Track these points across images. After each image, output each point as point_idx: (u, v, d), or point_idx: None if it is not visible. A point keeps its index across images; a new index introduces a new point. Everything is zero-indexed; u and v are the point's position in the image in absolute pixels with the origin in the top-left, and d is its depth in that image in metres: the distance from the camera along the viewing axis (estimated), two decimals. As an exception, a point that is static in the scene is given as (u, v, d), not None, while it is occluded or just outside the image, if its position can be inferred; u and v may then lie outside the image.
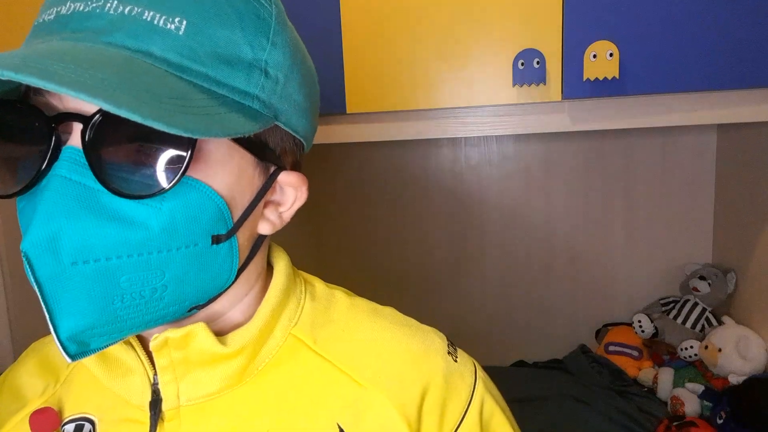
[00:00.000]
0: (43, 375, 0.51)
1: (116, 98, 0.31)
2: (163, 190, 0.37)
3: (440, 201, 1.58)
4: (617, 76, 0.91)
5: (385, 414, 0.46)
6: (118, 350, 0.45)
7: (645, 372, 1.35)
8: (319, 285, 0.53)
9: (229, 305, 0.47)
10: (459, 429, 0.49)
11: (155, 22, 0.37)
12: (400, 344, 0.50)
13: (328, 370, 0.48)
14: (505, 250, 1.58)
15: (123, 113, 0.31)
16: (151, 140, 0.37)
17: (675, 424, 1.13)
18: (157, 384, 0.44)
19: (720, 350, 1.21)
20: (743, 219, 1.33)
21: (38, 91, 0.38)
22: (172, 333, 0.43)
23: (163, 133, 0.34)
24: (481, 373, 0.52)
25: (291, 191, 0.47)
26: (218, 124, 0.36)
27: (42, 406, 0.48)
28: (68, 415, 0.47)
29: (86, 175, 0.36)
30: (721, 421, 1.10)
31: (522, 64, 0.94)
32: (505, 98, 0.97)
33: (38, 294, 0.36)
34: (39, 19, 0.39)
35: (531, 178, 1.54)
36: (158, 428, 0.44)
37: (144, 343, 0.46)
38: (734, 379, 1.18)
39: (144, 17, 0.36)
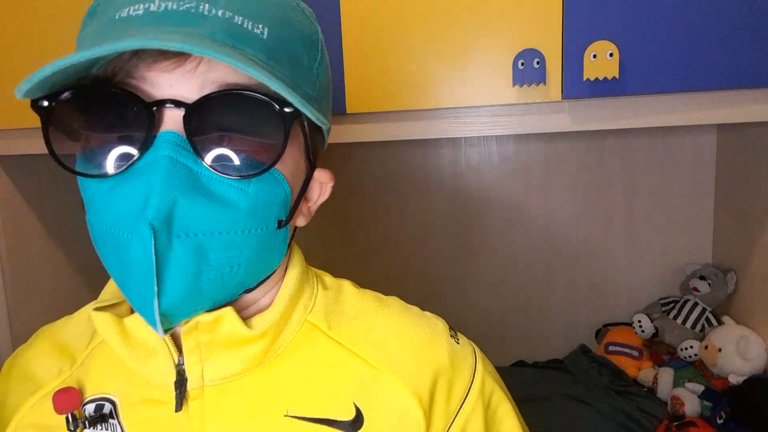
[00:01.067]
0: (58, 357, 0.52)
1: (278, 83, 0.36)
2: (256, 174, 0.41)
3: (440, 201, 1.58)
4: (617, 76, 0.91)
5: (399, 395, 0.49)
6: (142, 332, 0.47)
7: (645, 372, 1.35)
8: (327, 277, 0.57)
9: (259, 295, 0.50)
10: (463, 405, 0.51)
11: (245, 26, 0.40)
12: (409, 330, 0.53)
13: (343, 354, 0.50)
14: (505, 250, 1.58)
15: (288, 95, 0.36)
16: (245, 128, 0.40)
17: (675, 424, 1.13)
18: (182, 365, 0.46)
19: (720, 350, 1.21)
20: (743, 219, 1.33)
21: (128, 79, 0.39)
22: (203, 317, 0.45)
23: (261, 120, 0.39)
24: (479, 353, 0.55)
25: (316, 187, 0.51)
26: (311, 107, 0.40)
27: (62, 386, 0.49)
28: (89, 395, 0.49)
29: (188, 157, 0.39)
30: (721, 421, 1.10)
31: (522, 64, 0.94)
32: (505, 98, 0.97)
33: (153, 269, 0.38)
34: (119, 13, 0.40)
35: (531, 178, 1.54)
36: (183, 407, 0.46)
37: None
38: (734, 379, 1.18)
39: (235, 21, 0.39)
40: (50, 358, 0.53)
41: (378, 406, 0.48)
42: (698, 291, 1.36)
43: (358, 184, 1.60)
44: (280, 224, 0.45)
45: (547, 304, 1.57)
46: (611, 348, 1.42)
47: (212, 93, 0.39)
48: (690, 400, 1.19)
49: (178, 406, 0.46)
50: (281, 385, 0.48)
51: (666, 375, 1.28)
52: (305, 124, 0.45)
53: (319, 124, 0.44)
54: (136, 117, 0.39)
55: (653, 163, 1.47)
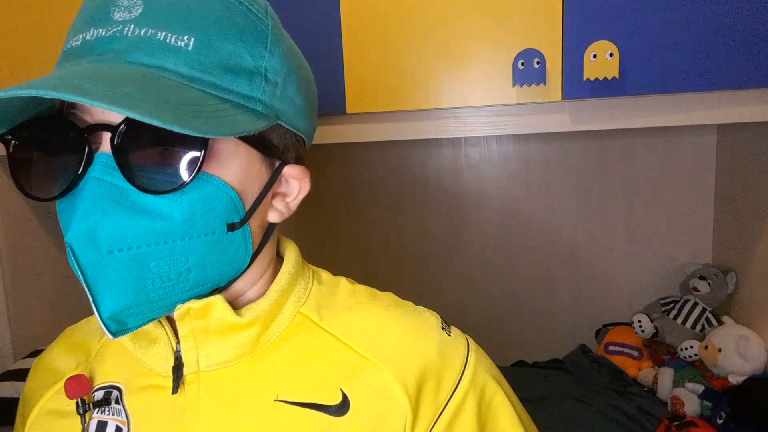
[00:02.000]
0: (75, 353, 0.57)
1: (140, 108, 0.37)
2: (183, 185, 0.42)
3: (440, 201, 1.58)
4: (617, 76, 0.91)
5: (386, 383, 0.50)
6: None
7: (645, 372, 1.34)
8: (325, 274, 0.59)
9: (245, 287, 0.53)
10: (452, 397, 0.52)
11: (167, 41, 0.42)
12: (398, 322, 0.54)
13: (333, 343, 0.52)
14: (505, 250, 1.58)
15: (146, 120, 0.36)
16: (169, 143, 0.42)
17: (675, 424, 1.13)
18: (180, 351, 0.50)
19: (720, 350, 1.21)
20: (743, 219, 1.33)
21: (71, 108, 0.44)
22: (194, 304, 0.48)
23: (180, 135, 0.39)
24: (473, 345, 0.56)
25: (295, 183, 0.52)
26: (227, 125, 0.42)
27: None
28: (98, 383, 0.54)
29: (116, 176, 0.42)
30: (721, 421, 1.10)
31: (522, 64, 0.94)
32: (505, 98, 0.97)
33: (82, 280, 0.42)
34: (67, 46, 0.45)
35: (531, 178, 1.54)
36: (179, 390, 0.50)
37: (168, 315, 0.50)
38: (734, 379, 1.18)
39: (158, 37, 0.42)
40: (69, 353, 0.57)
41: (364, 393, 0.50)
42: (698, 291, 1.36)
43: (357, 184, 1.60)
44: (233, 227, 0.46)
45: (547, 304, 1.57)
46: (611, 348, 1.42)
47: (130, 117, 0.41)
48: (690, 400, 1.19)
49: (175, 389, 0.49)
50: (272, 372, 0.51)
51: (666, 375, 1.28)
52: (252, 133, 0.46)
53: (255, 128, 0.44)
54: (73, 144, 0.42)
55: (653, 163, 1.47)
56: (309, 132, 0.54)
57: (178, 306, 0.48)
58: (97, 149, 0.42)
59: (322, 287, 0.57)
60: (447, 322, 0.57)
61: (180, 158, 0.42)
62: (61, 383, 0.54)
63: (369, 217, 1.61)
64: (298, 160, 0.53)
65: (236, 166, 0.46)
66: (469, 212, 1.58)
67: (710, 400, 1.17)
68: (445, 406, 0.51)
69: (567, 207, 1.53)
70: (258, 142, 0.47)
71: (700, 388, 1.21)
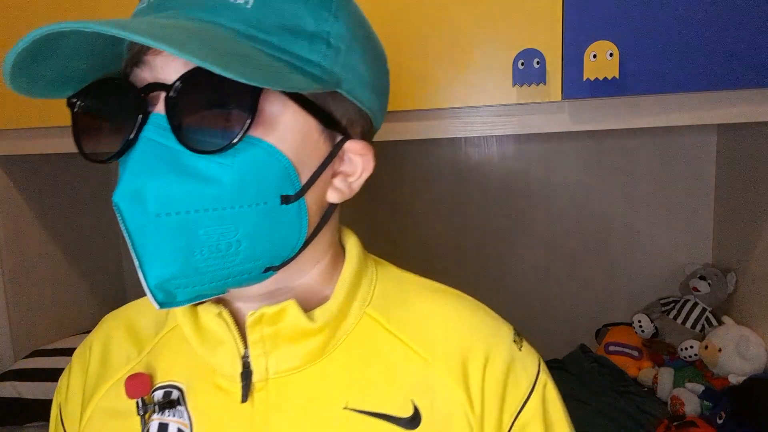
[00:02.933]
0: (129, 344, 0.55)
1: (186, 47, 0.35)
2: (230, 145, 0.40)
3: (440, 201, 1.59)
4: (617, 76, 0.91)
5: (455, 397, 0.49)
6: (211, 322, 0.49)
7: (645, 372, 1.34)
8: (390, 267, 0.57)
9: (297, 276, 0.50)
10: (518, 416, 0.50)
11: None
12: (469, 328, 0.52)
13: (402, 349, 0.50)
14: (505, 250, 1.58)
15: (191, 58, 0.35)
16: (220, 103, 0.41)
17: (675, 424, 1.13)
18: (248, 357, 0.48)
19: (720, 350, 1.21)
20: (743, 219, 1.33)
21: (134, 68, 0.43)
22: (268, 309, 0.47)
23: (231, 95, 0.39)
24: (544, 366, 0.54)
25: (359, 160, 0.49)
26: (279, 79, 0.40)
27: (128, 374, 0.52)
28: (158, 382, 0.52)
29: (168, 136, 0.40)
30: (721, 421, 1.10)
31: (522, 64, 0.94)
32: (505, 98, 0.97)
33: (129, 244, 0.41)
34: (135, 9, 0.45)
35: (531, 178, 1.54)
36: (248, 398, 0.48)
37: (235, 317, 0.49)
38: (734, 379, 1.18)
39: None
40: (121, 344, 0.55)
41: (435, 407, 0.48)
42: (698, 291, 1.36)
43: (358, 184, 1.60)
44: (287, 200, 0.44)
45: (547, 304, 1.57)
46: (611, 348, 1.42)
47: (184, 73, 0.40)
48: (690, 400, 1.19)
49: (245, 397, 0.48)
50: (340, 378, 0.49)
51: (666, 375, 1.28)
52: (305, 92, 0.44)
53: (313, 89, 0.43)
54: (131, 103, 0.42)
55: (653, 163, 1.47)
56: (376, 110, 0.50)
57: (251, 312, 0.47)
58: (152, 110, 0.41)
59: (386, 284, 0.54)
60: (520, 335, 0.55)
61: (229, 118, 0.41)
62: (114, 378, 0.53)
63: (368, 216, 1.61)
64: (364, 137, 0.50)
65: (291, 133, 0.44)
66: (469, 212, 1.58)
67: (710, 400, 1.17)
68: (512, 424, 0.50)
69: (567, 207, 1.53)
70: (316, 109, 0.45)
71: (700, 388, 1.21)
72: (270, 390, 0.48)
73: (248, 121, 0.40)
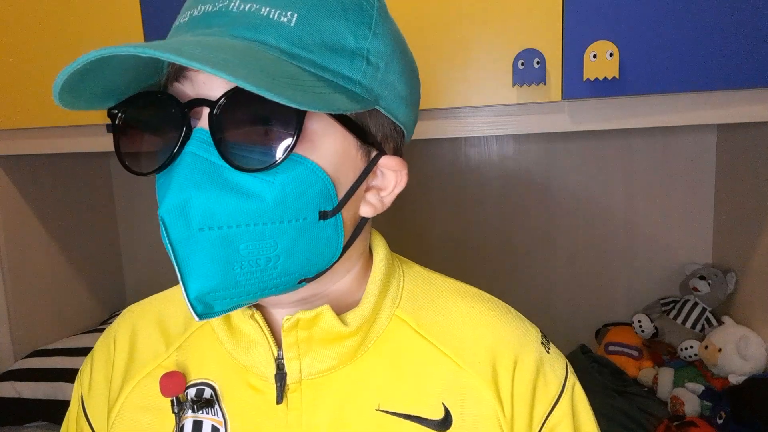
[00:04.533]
0: (157, 338, 0.56)
1: (235, 72, 0.36)
2: (274, 164, 0.41)
3: (440, 201, 1.59)
4: (617, 76, 0.91)
5: (483, 397, 0.49)
6: (244, 324, 0.50)
7: (645, 372, 1.34)
8: (417, 267, 0.58)
9: (331, 282, 0.51)
10: (548, 419, 0.51)
11: (270, 16, 0.42)
12: (498, 330, 0.53)
13: (430, 351, 0.51)
14: (505, 250, 1.58)
15: (239, 83, 0.35)
16: (264, 121, 0.42)
17: (675, 424, 1.13)
18: (281, 359, 0.49)
19: (720, 350, 1.21)
20: (743, 219, 1.33)
21: (175, 82, 0.43)
22: (303, 314, 0.47)
23: (275, 113, 0.40)
24: (571, 368, 0.55)
25: (392, 175, 0.50)
26: (323, 101, 0.40)
27: (165, 369, 0.53)
28: (191, 380, 0.52)
29: (211, 152, 0.41)
30: (721, 421, 1.10)
31: (522, 64, 0.94)
32: (505, 98, 0.97)
33: (172, 256, 0.42)
34: (176, 23, 0.46)
35: (531, 178, 1.54)
36: (282, 399, 0.49)
37: (267, 319, 0.50)
38: (734, 379, 1.18)
39: (261, 12, 0.42)
40: (149, 339, 0.56)
41: (465, 409, 0.49)
42: (698, 291, 1.36)
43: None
44: (325, 215, 0.45)
45: (547, 305, 1.57)
46: (611, 348, 1.42)
47: (228, 90, 0.41)
48: (690, 400, 1.19)
49: (279, 399, 0.49)
50: (372, 380, 0.50)
51: (666, 375, 1.28)
52: (348, 112, 0.45)
53: (356, 108, 0.43)
54: (175, 117, 0.42)
55: (653, 163, 1.47)
56: (409, 124, 0.51)
57: (287, 317, 0.47)
58: (196, 125, 0.42)
59: (415, 285, 0.55)
60: (546, 338, 0.56)
61: (273, 136, 0.41)
62: (145, 373, 0.54)
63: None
64: (396, 153, 0.51)
65: (331, 150, 0.44)
66: (469, 212, 1.58)
67: (710, 400, 1.17)
68: (542, 425, 0.51)
69: (567, 207, 1.53)
70: (355, 126, 0.45)
71: (700, 388, 1.20)
72: (303, 391, 0.49)
73: (293, 140, 0.41)
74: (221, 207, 0.41)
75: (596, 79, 0.91)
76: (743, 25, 0.88)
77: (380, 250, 0.54)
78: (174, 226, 0.41)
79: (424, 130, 1.02)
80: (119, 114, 0.44)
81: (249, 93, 0.37)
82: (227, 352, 0.51)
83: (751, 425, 1.05)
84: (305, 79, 0.41)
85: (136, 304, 0.60)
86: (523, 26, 0.94)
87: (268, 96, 0.36)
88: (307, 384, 0.49)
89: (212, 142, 0.41)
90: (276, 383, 0.49)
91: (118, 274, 1.75)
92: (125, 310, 0.60)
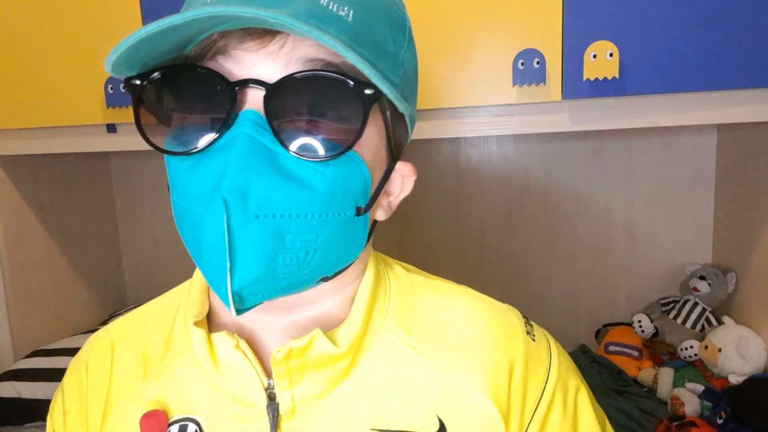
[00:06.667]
0: (133, 368, 0.52)
1: (342, 45, 0.35)
2: (336, 155, 0.40)
3: (440, 201, 1.58)
4: (617, 76, 0.91)
5: (478, 402, 0.48)
6: (229, 354, 0.46)
7: (645, 372, 1.34)
8: (398, 268, 0.56)
9: (334, 292, 0.49)
10: (540, 402, 0.51)
11: (330, 7, 0.40)
12: (484, 329, 0.52)
13: (420, 362, 0.49)
14: (505, 250, 1.58)
15: (350, 57, 0.35)
16: (330, 109, 0.40)
17: (675, 424, 1.13)
18: (272, 389, 0.46)
19: (720, 350, 1.21)
20: (743, 219, 1.33)
21: (217, 58, 0.40)
22: (296, 343, 0.45)
23: (343, 103, 0.39)
24: (554, 343, 0.55)
25: (398, 181, 0.49)
26: (396, 96, 0.40)
27: (135, 404, 0.50)
28: (172, 416, 0.49)
29: (267, 136, 0.39)
30: (721, 421, 1.10)
31: (522, 64, 0.94)
32: (505, 98, 0.97)
33: (216, 244, 0.38)
34: None
35: (531, 178, 1.54)
36: (277, 429, 0.46)
37: (253, 347, 0.48)
38: (734, 379, 1.18)
39: (321, 2, 0.40)
40: (124, 368, 0.52)
41: (459, 417, 0.48)
42: (698, 291, 1.36)
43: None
44: (359, 211, 0.44)
45: (547, 305, 1.57)
46: (611, 348, 1.42)
47: (293, 73, 0.39)
48: (690, 400, 1.19)
49: (273, 429, 0.46)
50: (365, 399, 0.48)
51: (666, 375, 1.28)
52: (387, 111, 0.45)
53: (401, 109, 0.43)
54: (220, 96, 0.39)
55: (653, 163, 1.47)
56: (408, 137, 0.51)
57: (278, 349, 0.45)
58: (241, 106, 0.40)
59: (400, 290, 0.53)
60: (527, 318, 0.55)
61: (337, 126, 0.40)
62: (124, 406, 0.50)
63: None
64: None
65: (371, 146, 0.44)
66: (469, 212, 1.58)
67: (710, 400, 1.17)
68: (535, 410, 0.50)
69: (567, 207, 1.53)
70: (389, 127, 0.45)
71: (700, 388, 1.20)
72: (297, 418, 0.47)
73: (357, 132, 0.40)
74: (278, 194, 0.39)
75: (596, 79, 0.91)
76: (743, 25, 0.88)
77: (371, 263, 0.52)
78: (234, 209, 0.38)
79: (424, 130, 1.02)
80: (143, 84, 0.41)
81: (307, 77, 0.37)
82: (210, 382, 0.48)
83: (751, 425, 1.05)
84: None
85: (102, 329, 0.57)
86: (523, 26, 0.94)
87: (384, 88, 0.37)
88: (301, 411, 0.47)
89: (268, 125, 0.39)
90: (269, 415, 0.46)
91: (118, 274, 1.75)
92: (93, 337, 0.57)
